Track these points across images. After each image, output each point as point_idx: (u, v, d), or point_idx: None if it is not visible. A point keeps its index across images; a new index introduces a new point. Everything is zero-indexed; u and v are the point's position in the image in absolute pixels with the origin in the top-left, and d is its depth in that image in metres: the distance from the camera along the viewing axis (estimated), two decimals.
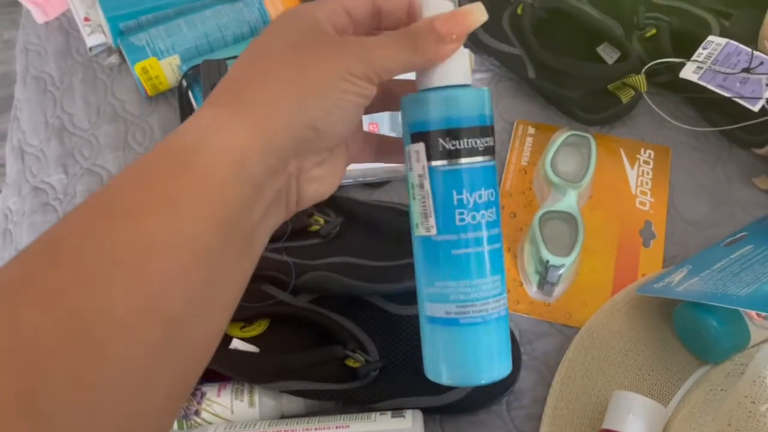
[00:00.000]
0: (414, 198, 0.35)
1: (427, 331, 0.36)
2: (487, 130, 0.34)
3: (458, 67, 0.33)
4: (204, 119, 0.30)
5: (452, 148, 0.33)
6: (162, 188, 0.27)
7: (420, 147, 0.34)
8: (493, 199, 0.34)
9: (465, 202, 0.33)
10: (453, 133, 0.33)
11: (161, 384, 0.25)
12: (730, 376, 0.47)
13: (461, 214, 0.33)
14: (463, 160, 0.33)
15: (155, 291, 0.25)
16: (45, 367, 0.22)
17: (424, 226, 0.34)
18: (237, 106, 0.30)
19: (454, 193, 0.33)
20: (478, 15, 0.31)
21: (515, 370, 0.49)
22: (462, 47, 0.33)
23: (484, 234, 0.34)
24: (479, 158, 0.33)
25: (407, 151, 0.35)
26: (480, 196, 0.33)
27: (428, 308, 0.35)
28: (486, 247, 0.34)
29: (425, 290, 0.35)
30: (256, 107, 0.29)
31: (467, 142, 0.33)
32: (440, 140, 0.33)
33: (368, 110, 0.35)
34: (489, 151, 0.34)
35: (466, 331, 0.34)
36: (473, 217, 0.33)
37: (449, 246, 0.34)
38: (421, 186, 0.34)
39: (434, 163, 0.33)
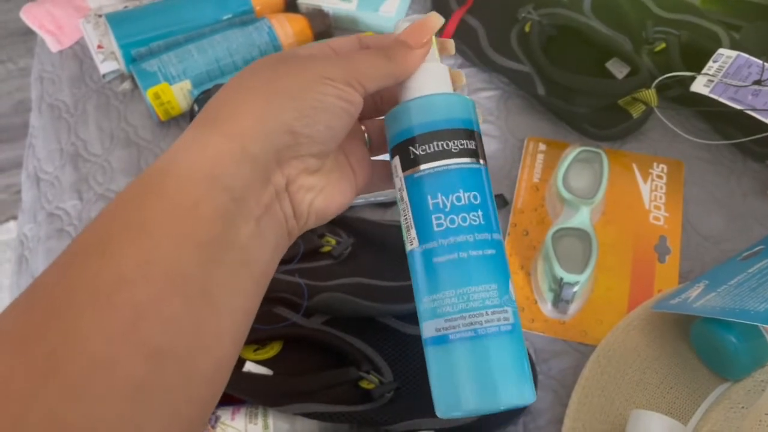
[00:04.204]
0: (400, 215, 0.34)
1: (426, 357, 0.33)
2: (459, 133, 0.33)
3: (425, 80, 0.34)
4: (176, 143, 0.30)
5: (422, 153, 0.33)
6: (129, 215, 0.26)
7: (396, 161, 0.34)
8: (477, 202, 0.32)
9: (441, 206, 0.32)
10: (420, 139, 0.33)
11: (154, 422, 0.24)
12: (750, 393, 0.46)
13: (438, 219, 0.32)
14: (434, 164, 0.32)
15: (129, 323, 0.23)
16: (21, 413, 0.21)
17: (408, 239, 0.33)
18: (207, 122, 0.30)
19: (429, 198, 0.32)
20: (433, 21, 0.34)
21: None
22: (431, 63, 0.34)
23: (469, 238, 0.32)
24: (453, 160, 0.32)
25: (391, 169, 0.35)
26: (458, 199, 0.32)
27: (423, 330, 0.33)
28: (472, 252, 0.31)
29: (419, 310, 0.33)
30: (224, 119, 0.29)
31: (437, 145, 0.32)
32: (410, 148, 0.33)
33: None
34: (466, 153, 0.33)
35: (457, 347, 0.31)
36: (452, 221, 0.32)
37: (430, 255, 0.32)
38: (402, 199, 0.33)
39: (408, 172, 0.33)
